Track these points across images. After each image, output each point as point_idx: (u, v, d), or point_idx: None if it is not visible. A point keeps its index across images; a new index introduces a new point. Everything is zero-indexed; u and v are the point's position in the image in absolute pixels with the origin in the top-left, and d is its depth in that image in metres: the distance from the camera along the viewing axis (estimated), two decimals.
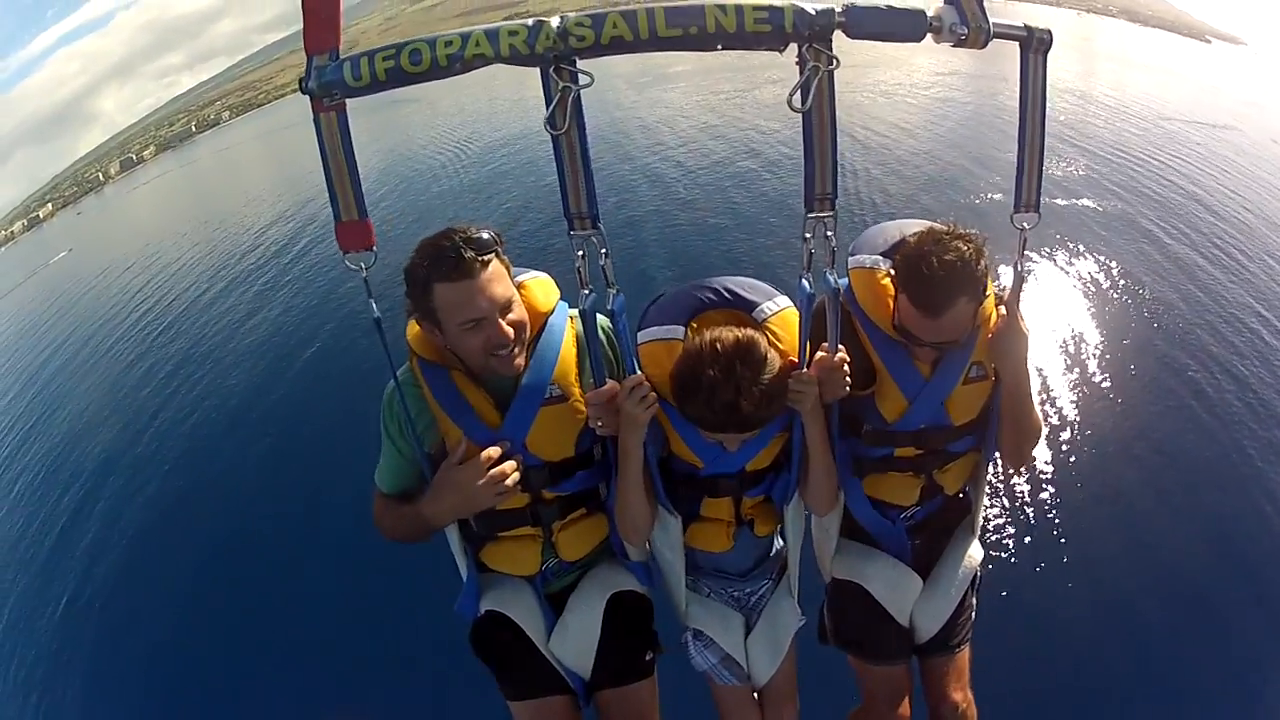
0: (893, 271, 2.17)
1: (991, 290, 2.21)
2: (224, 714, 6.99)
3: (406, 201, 18.85)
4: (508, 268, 2.02)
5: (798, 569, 2.51)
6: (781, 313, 2.15)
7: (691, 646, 2.56)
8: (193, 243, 23.09)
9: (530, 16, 1.64)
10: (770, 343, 2.03)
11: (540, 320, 2.11)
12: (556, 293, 2.20)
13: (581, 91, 1.68)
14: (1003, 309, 2.21)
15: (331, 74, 1.65)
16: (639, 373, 2.03)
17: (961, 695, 2.57)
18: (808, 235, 1.86)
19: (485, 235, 1.94)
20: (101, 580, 9.02)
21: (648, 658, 2.44)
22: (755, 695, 2.75)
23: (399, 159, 22.62)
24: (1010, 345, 2.18)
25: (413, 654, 6.84)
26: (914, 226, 2.24)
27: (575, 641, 2.33)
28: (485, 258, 1.91)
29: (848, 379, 2.08)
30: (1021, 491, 7.13)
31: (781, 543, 2.55)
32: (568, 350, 2.13)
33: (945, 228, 2.08)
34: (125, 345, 16.07)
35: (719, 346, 1.93)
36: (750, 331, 1.99)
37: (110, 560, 9.21)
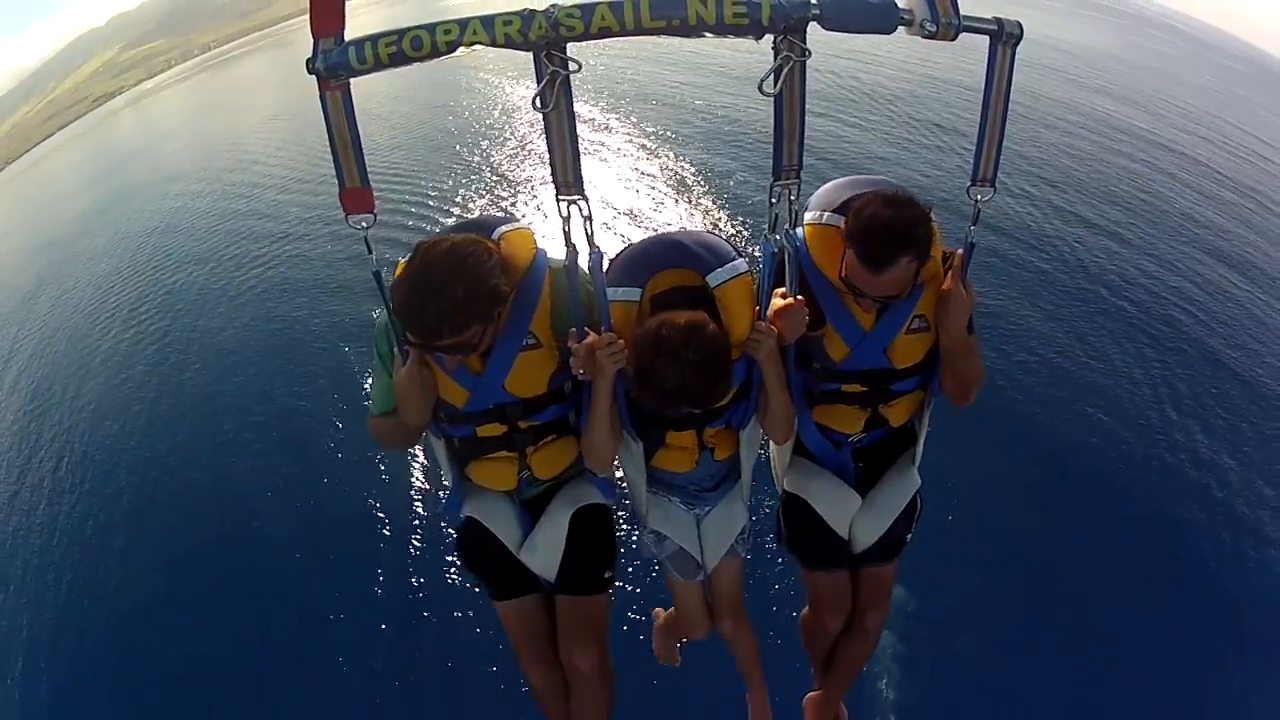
0: (843, 227, 2.28)
1: (939, 250, 2.34)
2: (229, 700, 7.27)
3: (412, 148, 19.07)
4: (498, 312, 2.09)
5: (750, 479, 2.75)
6: (732, 281, 2.28)
7: (650, 539, 2.83)
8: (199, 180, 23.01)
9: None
10: (716, 314, 2.19)
11: (519, 274, 2.21)
12: (534, 246, 2.30)
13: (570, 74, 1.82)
14: (949, 275, 2.33)
15: (337, 57, 1.77)
16: (612, 330, 2.20)
17: (874, 617, 2.86)
18: (774, 200, 2.03)
19: (481, 292, 1.97)
20: (103, 550, 9.23)
21: (606, 575, 2.68)
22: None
23: (406, 116, 22.55)
24: (952, 309, 2.31)
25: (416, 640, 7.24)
26: (866, 185, 2.36)
27: (543, 555, 2.57)
28: (458, 328, 1.98)
29: (806, 317, 2.25)
30: (968, 432, 7.50)
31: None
32: (544, 302, 2.26)
33: (894, 191, 2.20)
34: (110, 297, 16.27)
35: (665, 332, 2.06)
36: (695, 316, 2.11)
37: (112, 534, 9.43)
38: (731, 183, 14.29)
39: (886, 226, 2.11)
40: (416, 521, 8.22)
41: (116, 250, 18.99)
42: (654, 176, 15.24)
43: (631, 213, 13.53)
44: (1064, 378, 9.60)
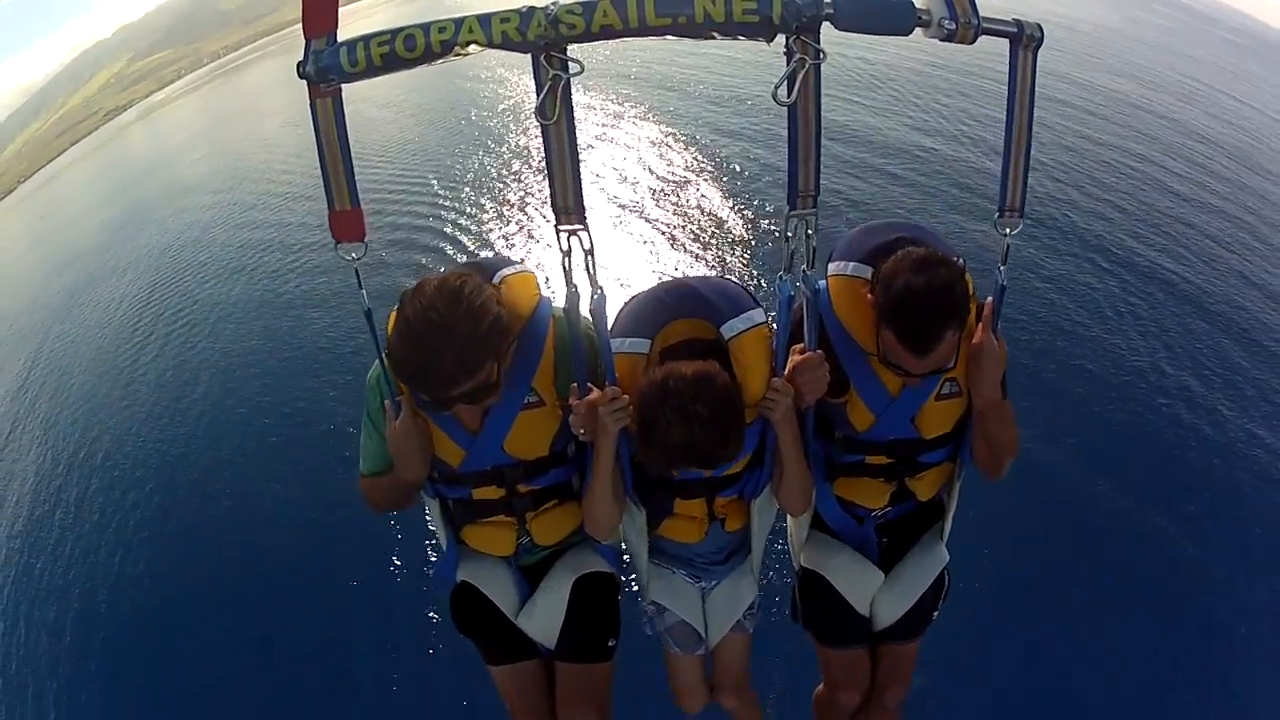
0: (871, 294, 2.09)
1: (974, 303, 2.13)
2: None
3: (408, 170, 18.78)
4: (505, 348, 1.95)
5: (761, 553, 2.58)
6: (748, 332, 2.09)
7: (650, 611, 2.67)
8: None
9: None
10: (731, 374, 2.00)
11: (520, 323, 2.04)
12: (537, 291, 2.14)
13: (571, 80, 1.72)
14: (979, 327, 2.14)
15: (328, 58, 1.69)
16: (615, 385, 2.03)
17: (894, 694, 2.69)
18: (789, 234, 1.87)
19: (485, 323, 1.82)
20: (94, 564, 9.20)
21: (610, 644, 2.53)
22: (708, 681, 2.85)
23: (405, 125, 22.56)
24: (985, 366, 2.12)
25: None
26: (895, 232, 2.19)
27: (542, 620, 2.43)
28: (471, 369, 1.84)
29: (827, 374, 2.08)
30: (998, 501, 7.53)
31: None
32: (548, 354, 2.11)
33: (924, 251, 2.00)
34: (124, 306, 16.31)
35: (671, 383, 1.90)
36: (705, 366, 1.94)
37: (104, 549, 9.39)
38: (756, 198, 14.07)
39: (924, 300, 1.91)
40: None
41: (146, 262, 18.95)
42: (665, 190, 14.94)
43: (640, 240, 13.16)
44: (1061, 335, 9.81)
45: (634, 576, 2.67)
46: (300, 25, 1.72)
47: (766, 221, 12.76)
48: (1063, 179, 14.16)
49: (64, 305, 18.53)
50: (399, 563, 7.97)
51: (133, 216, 24.56)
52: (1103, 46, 27.95)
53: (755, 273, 11.46)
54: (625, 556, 2.64)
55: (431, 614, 7.25)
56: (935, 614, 2.65)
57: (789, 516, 2.68)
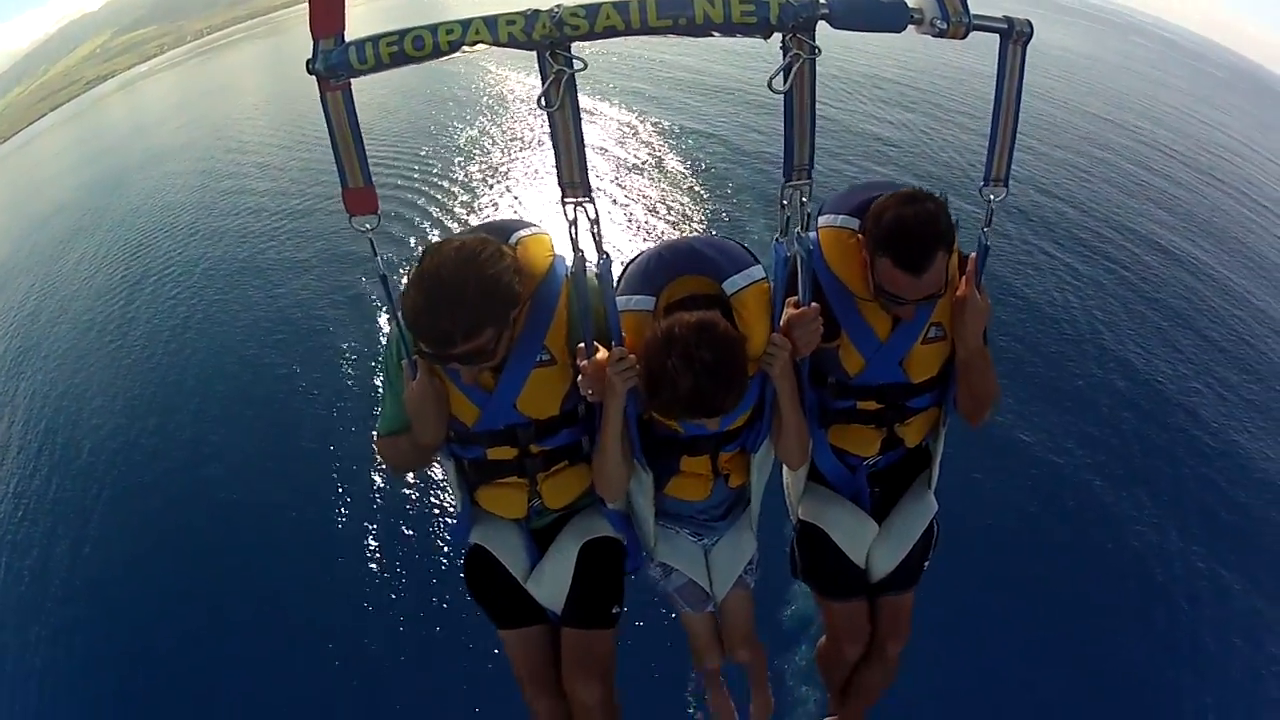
0: (862, 235, 2.22)
1: (956, 252, 2.27)
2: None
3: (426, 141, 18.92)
4: (513, 316, 2.02)
5: (759, 507, 2.68)
6: (750, 288, 2.19)
7: (657, 573, 2.79)
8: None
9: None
10: (733, 323, 2.09)
11: (535, 282, 2.12)
12: (552, 252, 2.19)
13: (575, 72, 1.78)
14: (964, 280, 2.28)
15: (337, 57, 1.74)
16: (623, 345, 2.10)
17: (894, 646, 2.81)
18: (784, 202, 1.99)
19: (495, 291, 1.91)
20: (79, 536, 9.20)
21: (614, 611, 2.58)
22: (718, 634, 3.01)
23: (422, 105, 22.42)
24: (969, 317, 2.26)
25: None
26: (878, 190, 2.27)
27: (549, 585, 2.51)
28: (471, 332, 1.90)
29: (820, 328, 2.18)
30: (984, 450, 7.79)
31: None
32: (560, 314, 2.15)
33: (909, 189, 2.14)
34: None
35: (676, 331, 1.96)
36: (708, 315, 2.00)
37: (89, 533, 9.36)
38: (746, 174, 14.22)
39: (915, 225, 2.06)
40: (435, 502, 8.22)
41: (129, 219, 19.17)
42: (664, 172, 15.08)
43: (643, 212, 13.35)
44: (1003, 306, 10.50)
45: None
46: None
47: (751, 193, 12.92)
48: (1023, 181, 14.67)
49: (51, 254, 18.78)
50: (381, 499, 8.13)
51: (112, 177, 24.78)
52: (1077, 71, 29.27)
53: (730, 225, 11.94)
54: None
55: (416, 548, 7.42)
56: (926, 563, 2.77)
57: (785, 470, 2.79)
